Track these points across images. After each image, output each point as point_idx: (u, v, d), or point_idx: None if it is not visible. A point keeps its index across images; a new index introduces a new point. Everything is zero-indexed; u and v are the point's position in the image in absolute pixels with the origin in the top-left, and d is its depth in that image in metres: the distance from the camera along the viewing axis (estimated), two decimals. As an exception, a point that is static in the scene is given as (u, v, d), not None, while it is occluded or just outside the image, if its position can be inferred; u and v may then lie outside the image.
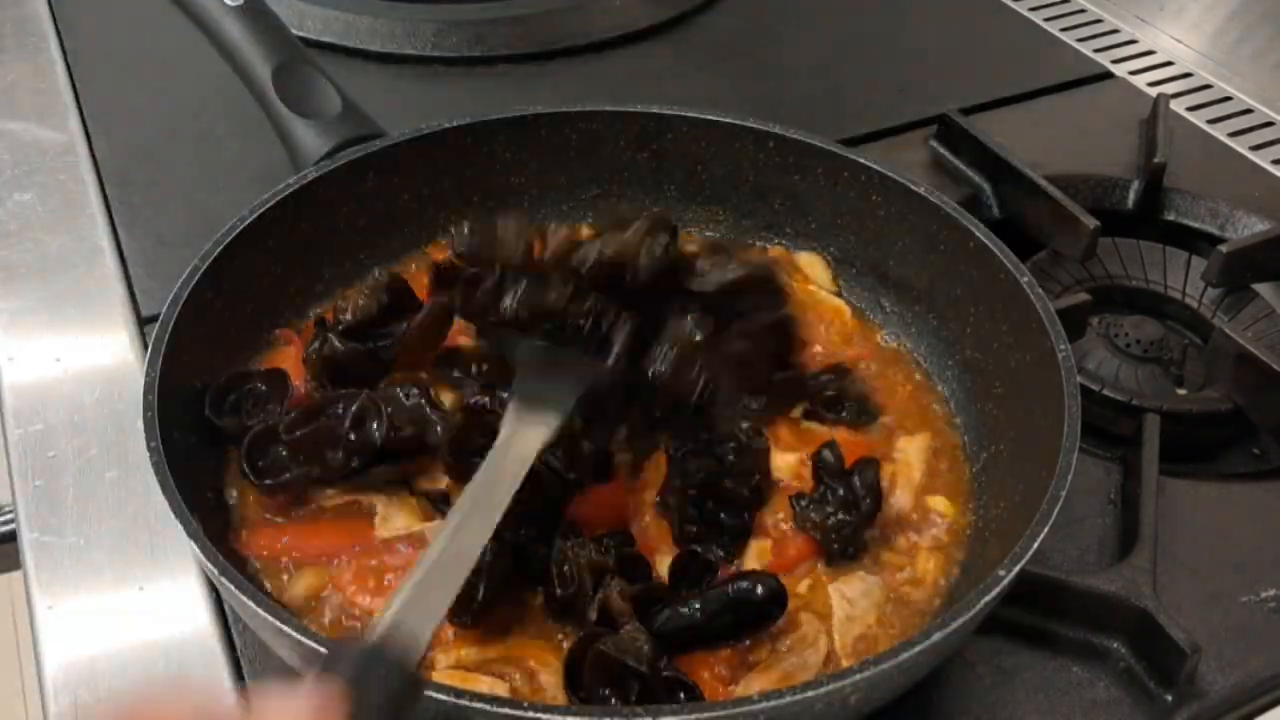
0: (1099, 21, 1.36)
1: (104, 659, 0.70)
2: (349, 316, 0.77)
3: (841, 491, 0.71)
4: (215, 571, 0.58)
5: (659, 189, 0.93)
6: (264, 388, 0.75)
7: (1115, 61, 1.28)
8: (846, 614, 0.68)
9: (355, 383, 0.75)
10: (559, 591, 0.65)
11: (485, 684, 0.62)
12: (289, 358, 0.80)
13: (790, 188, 0.91)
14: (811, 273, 0.91)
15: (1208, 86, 1.25)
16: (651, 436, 0.72)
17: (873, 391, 0.82)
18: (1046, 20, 1.35)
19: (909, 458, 0.78)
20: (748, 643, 0.66)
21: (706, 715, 0.53)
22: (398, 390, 0.73)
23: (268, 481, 0.70)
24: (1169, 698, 0.68)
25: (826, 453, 0.74)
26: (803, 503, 0.72)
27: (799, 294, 0.88)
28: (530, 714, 0.52)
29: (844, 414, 0.80)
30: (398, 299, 0.79)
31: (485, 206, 0.91)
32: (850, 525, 0.71)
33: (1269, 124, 1.19)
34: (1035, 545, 0.60)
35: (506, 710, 0.52)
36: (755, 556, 0.71)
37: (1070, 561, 0.75)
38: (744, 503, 0.72)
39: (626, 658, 0.60)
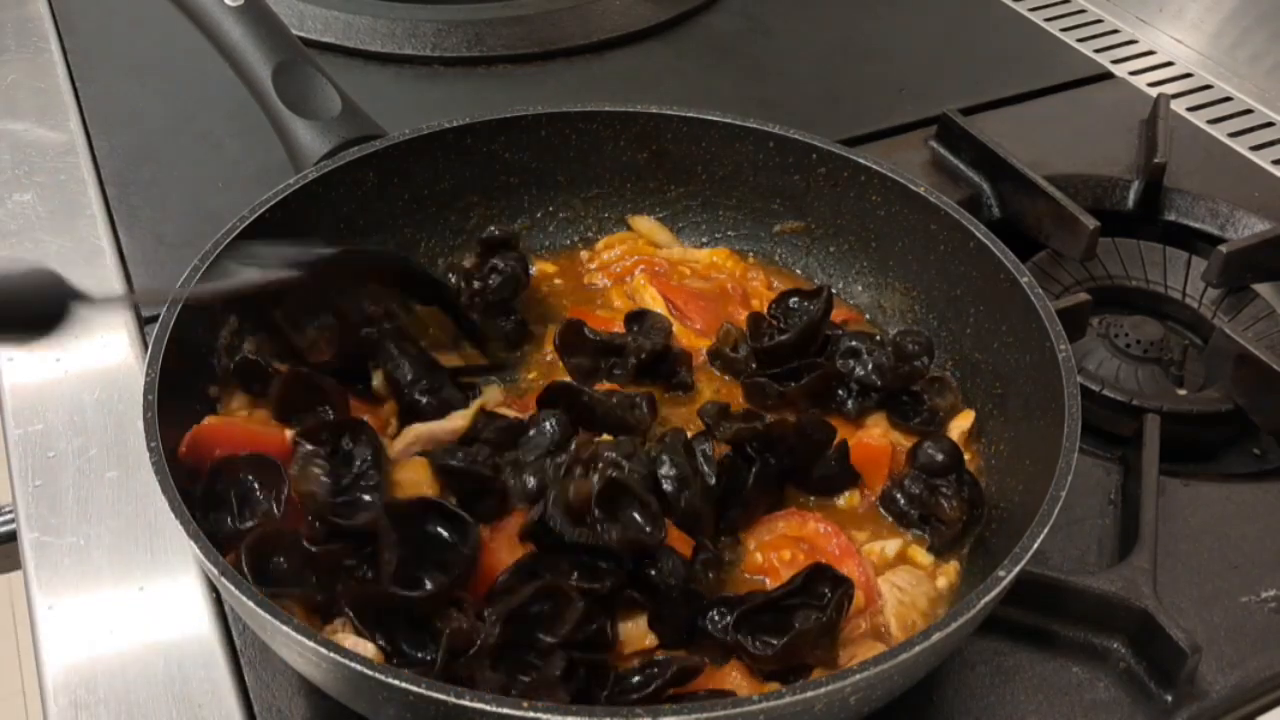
0: (1099, 21, 1.36)
1: (104, 659, 0.70)
2: None
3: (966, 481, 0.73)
4: (215, 571, 0.58)
5: (659, 189, 0.93)
6: (253, 479, 0.67)
7: (1115, 61, 1.28)
8: (899, 599, 0.68)
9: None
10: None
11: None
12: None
13: (790, 188, 0.91)
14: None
15: (1208, 87, 1.25)
16: None
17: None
18: (1046, 20, 1.35)
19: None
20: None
21: (706, 715, 0.53)
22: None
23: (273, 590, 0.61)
24: (1169, 698, 0.68)
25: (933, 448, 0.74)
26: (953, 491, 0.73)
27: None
28: (530, 714, 0.52)
29: (920, 419, 0.79)
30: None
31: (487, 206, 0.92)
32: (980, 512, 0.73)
33: (1269, 124, 1.19)
34: (1035, 545, 0.60)
35: (506, 710, 0.52)
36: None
37: (1070, 561, 0.75)
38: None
39: None
